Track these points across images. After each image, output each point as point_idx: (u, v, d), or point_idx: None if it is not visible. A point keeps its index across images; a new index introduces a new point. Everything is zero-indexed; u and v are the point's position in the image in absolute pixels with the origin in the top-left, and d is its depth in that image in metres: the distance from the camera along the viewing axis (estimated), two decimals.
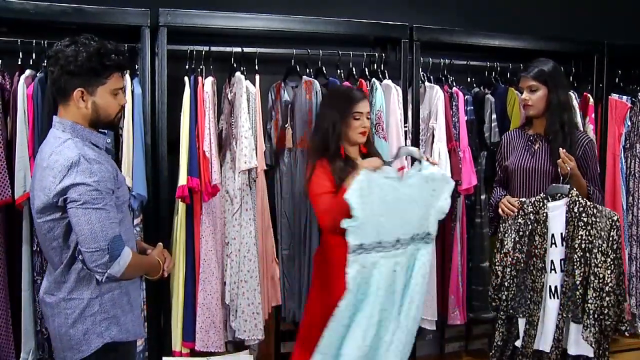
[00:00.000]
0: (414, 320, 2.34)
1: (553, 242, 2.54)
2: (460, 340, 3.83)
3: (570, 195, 2.51)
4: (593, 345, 2.44)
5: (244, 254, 3.04)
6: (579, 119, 3.55)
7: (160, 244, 2.20)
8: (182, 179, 2.84)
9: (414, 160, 2.46)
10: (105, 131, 2.04)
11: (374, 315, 2.25)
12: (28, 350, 2.72)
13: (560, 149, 2.60)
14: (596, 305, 2.43)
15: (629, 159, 3.81)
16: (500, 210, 2.71)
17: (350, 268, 2.23)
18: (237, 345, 3.14)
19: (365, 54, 3.40)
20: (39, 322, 2.74)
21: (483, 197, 3.46)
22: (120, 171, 2.12)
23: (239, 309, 3.03)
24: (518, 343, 2.60)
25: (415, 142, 3.31)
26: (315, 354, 2.25)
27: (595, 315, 2.43)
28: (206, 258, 2.98)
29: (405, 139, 3.28)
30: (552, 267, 2.54)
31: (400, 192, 2.28)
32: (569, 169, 2.56)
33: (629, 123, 3.80)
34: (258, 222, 3.10)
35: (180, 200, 2.92)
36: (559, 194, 2.55)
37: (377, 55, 3.43)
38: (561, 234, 2.53)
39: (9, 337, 2.72)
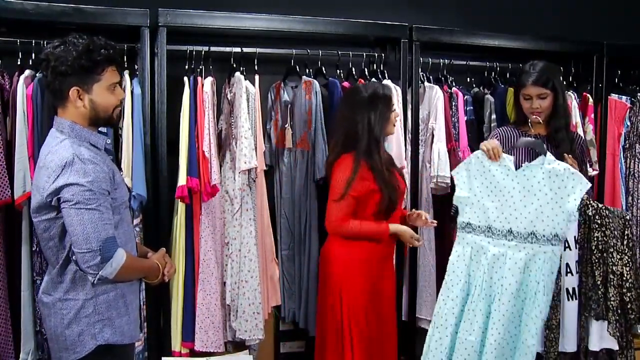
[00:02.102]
0: (536, 334, 2.33)
1: (567, 245, 2.51)
2: None
3: (581, 199, 2.49)
4: (618, 339, 2.46)
5: (245, 254, 3.04)
6: (578, 119, 3.56)
7: (163, 248, 2.20)
8: (182, 179, 2.84)
9: (534, 153, 2.49)
10: (106, 131, 2.04)
11: (478, 302, 2.35)
12: (27, 350, 2.72)
13: (566, 154, 2.60)
14: (618, 301, 2.44)
15: (628, 159, 3.81)
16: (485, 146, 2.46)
17: (458, 245, 2.39)
18: (237, 345, 3.14)
19: (364, 54, 3.40)
20: (38, 323, 2.73)
21: None
22: (121, 172, 2.10)
23: (240, 309, 3.03)
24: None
25: (415, 142, 3.32)
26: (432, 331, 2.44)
27: (619, 311, 2.44)
28: (205, 258, 2.98)
29: (405, 139, 3.28)
30: (568, 270, 2.52)
31: (514, 183, 2.36)
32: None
33: (629, 123, 3.80)
34: (258, 222, 3.10)
35: (179, 200, 2.92)
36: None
37: (376, 55, 3.43)
38: (574, 237, 2.51)
39: (8, 337, 2.72)
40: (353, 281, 2.66)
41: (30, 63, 2.77)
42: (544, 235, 2.35)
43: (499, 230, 2.39)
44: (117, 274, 1.81)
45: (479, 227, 2.41)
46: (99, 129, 2.00)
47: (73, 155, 1.78)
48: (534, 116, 2.75)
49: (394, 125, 2.80)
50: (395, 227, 2.67)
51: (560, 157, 2.68)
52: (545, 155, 2.37)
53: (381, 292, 2.75)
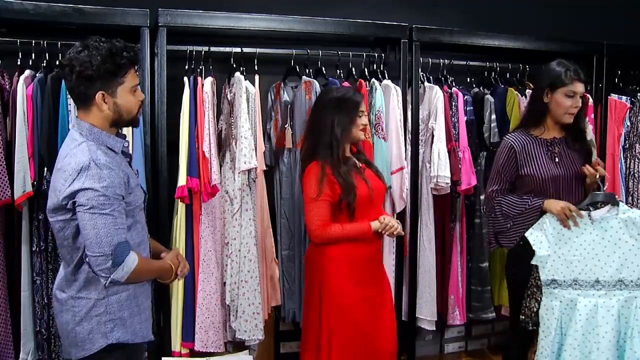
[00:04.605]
0: None
1: None
2: (460, 341, 3.84)
3: (618, 204, 2.48)
4: None
5: (244, 254, 3.04)
6: None
7: (177, 248, 2.20)
8: (182, 179, 2.85)
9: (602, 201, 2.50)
10: (125, 134, 2.05)
11: (572, 352, 2.39)
12: (27, 350, 2.73)
13: (596, 161, 2.59)
14: None
15: (628, 159, 3.81)
16: (563, 213, 2.47)
17: (545, 298, 2.44)
18: (237, 346, 3.14)
19: (364, 54, 3.40)
20: (38, 323, 2.74)
21: (482, 197, 3.45)
22: (137, 175, 2.12)
23: (240, 309, 3.03)
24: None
25: (415, 142, 3.32)
26: None
27: None
28: (205, 258, 2.99)
29: (405, 139, 3.28)
30: None
31: (592, 235, 2.46)
32: (604, 173, 2.56)
33: (629, 123, 3.80)
34: (258, 222, 3.10)
35: (179, 200, 2.92)
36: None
37: (376, 55, 3.43)
38: None
39: (8, 337, 2.72)
40: (334, 283, 2.60)
41: (30, 63, 2.78)
42: (631, 281, 2.43)
43: (585, 282, 2.45)
44: (129, 278, 1.84)
45: (564, 281, 2.46)
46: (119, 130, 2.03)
47: (90, 160, 1.81)
48: (569, 115, 2.64)
49: (362, 131, 2.70)
50: (375, 224, 2.63)
51: (583, 157, 2.66)
52: (617, 205, 2.45)
53: (372, 293, 2.69)
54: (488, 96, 3.49)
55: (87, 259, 1.82)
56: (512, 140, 2.70)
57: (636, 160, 3.80)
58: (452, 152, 3.32)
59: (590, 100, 3.67)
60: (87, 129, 1.89)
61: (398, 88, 3.25)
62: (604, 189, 2.56)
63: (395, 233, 2.67)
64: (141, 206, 2.01)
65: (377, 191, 2.71)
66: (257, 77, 3.10)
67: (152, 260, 2.06)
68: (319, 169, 2.59)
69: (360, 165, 2.73)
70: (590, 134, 3.60)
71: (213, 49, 3.07)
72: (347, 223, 2.60)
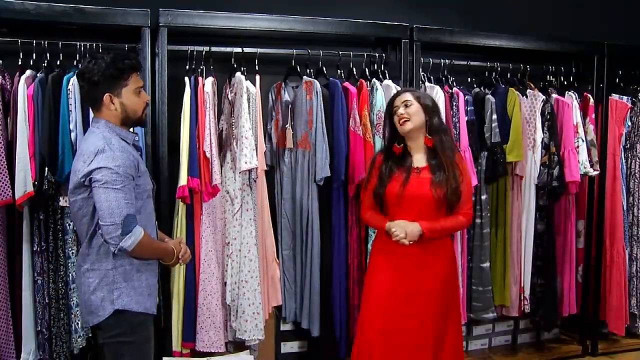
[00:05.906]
0: None
1: None
2: None
3: None
4: None
5: (245, 254, 3.04)
6: (579, 119, 3.56)
7: (181, 236, 2.50)
8: (183, 180, 2.85)
9: None
10: (137, 131, 2.30)
11: None
12: (28, 350, 2.73)
13: None
14: None
15: (629, 159, 3.81)
16: None
17: None
18: (238, 346, 3.14)
19: (365, 54, 3.40)
20: (39, 323, 2.74)
21: (484, 197, 3.45)
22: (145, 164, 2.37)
23: (240, 309, 3.03)
24: None
25: None
26: None
27: None
28: (206, 258, 2.99)
29: None
30: None
31: None
32: None
33: (629, 123, 3.81)
34: (258, 222, 3.10)
35: (180, 200, 2.92)
36: None
37: (377, 55, 3.43)
38: None
39: (9, 337, 2.72)
40: (370, 271, 2.77)
41: (31, 63, 2.78)
42: None
43: None
44: (135, 248, 2.05)
45: None
46: (130, 129, 2.25)
47: (105, 144, 2.07)
48: None
49: (400, 125, 2.62)
50: (387, 225, 2.63)
51: None
52: None
53: (409, 290, 2.64)
54: (489, 96, 3.48)
55: (100, 230, 2.05)
56: None
57: (637, 160, 3.80)
58: None
59: (591, 100, 3.67)
60: (103, 123, 2.16)
61: (399, 88, 3.25)
62: None
63: (395, 239, 2.60)
64: (149, 193, 2.24)
65: (412, 196, 2.61)
66: (258, 77, 3.10)
67: (157, 241, 2.28)
68: (370, 160, 2.87)
69: (418, 166, 2.65)
70: (591, 134, 3.61)
71: (214, 49, 3.07)
72: (377, 214, 2.75)
